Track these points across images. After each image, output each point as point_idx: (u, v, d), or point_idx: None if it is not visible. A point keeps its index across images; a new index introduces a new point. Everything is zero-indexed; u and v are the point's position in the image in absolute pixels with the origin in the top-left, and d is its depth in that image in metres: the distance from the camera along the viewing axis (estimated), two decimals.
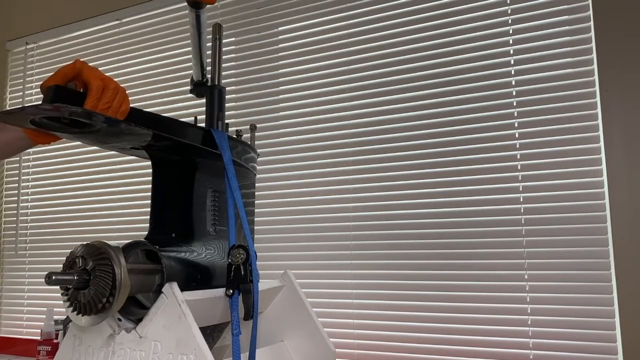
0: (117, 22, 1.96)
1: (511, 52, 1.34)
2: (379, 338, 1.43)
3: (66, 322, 1.62)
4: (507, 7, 1.36)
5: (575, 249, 1.24)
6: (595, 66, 1.26)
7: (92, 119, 0.70)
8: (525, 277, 1.28)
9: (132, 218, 1.84)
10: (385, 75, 1.49)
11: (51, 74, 0.71)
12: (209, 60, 0.98)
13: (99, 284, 0.68)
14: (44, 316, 1.71)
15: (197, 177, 0.87)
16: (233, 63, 1.72)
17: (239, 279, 0.77)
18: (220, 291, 0.79)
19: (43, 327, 1.69)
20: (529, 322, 1.27)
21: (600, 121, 1.24)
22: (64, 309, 0.72)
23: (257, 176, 1.07)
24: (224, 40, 1.67)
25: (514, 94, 1.33)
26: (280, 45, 1.66)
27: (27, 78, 2.16)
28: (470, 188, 1.36)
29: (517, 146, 1.32)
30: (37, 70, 2.14)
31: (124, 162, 1.86)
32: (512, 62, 1.34)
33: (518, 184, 1.31)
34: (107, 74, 0.75)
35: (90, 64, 0.72)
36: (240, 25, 1.72)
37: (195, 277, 0.82)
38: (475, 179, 1.35)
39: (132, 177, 1.86)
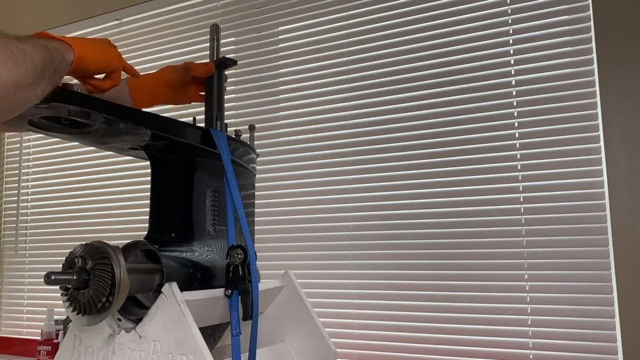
0: (117, 22, 1.96)
1: (511, 52, 1.34)
2: (379, 338, 1.43)
3: (66, 322, 1.62)
4: (507, 7, 1.36)
5: (575, 249, 1.24)
6: (595, 66, 1.25)
7: (90, 118, 0.70)
8: (525, 277, 1.28)
9: (132, 218, 1.84)
10: (385, 75, 1.49)
11: None
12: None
13: (98, 283, 0.69)
14: (44, 316, 1.72)
15: (196, 176, 0.87)
16: None
17: (238, 279, 0.77)
18: (220, 291, 0.79)
19: (43, 327, 1.69)
20: (529, 322, 1.27)
21: (600, 121, 1.24)
22: (64, 309, 0.72)
23: (257, 176, 1.07)
24: (224, 40, 1.68)
25: (514, 94, 1.33)
26: (280, 45, 1.66)
27: None
28: (470, 188, 1.35)
29: (517, 146, 1.32)
30: None
31: (124, 162, 1.86)
32: (512, 62, 1.34)
33: (518, 184, 1.31)
34: None
35: None
36: (240, 25, 1.72)
37: (195, 277, 0.82)
38: (475, 179, 1.35)
39: (131, 177, 1.86)
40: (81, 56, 0.70)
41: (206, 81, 0.96)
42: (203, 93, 0.98)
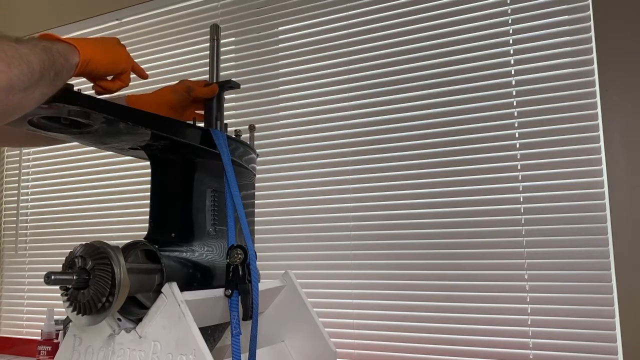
0: (117, 22, 1.96)
1: (511, 52, 1.34)
2: (379, 338, 1.43)
3: (66, 322, 1.62)
4: (507, 7, 1.36)
5: (575, 249, 1.24)
6: (595, 66, 1.25)
7: (90, 118, 0.70)
8: (525, 277, 1.28)
9: (132, 218, 1.84)
10: (385, 75, 1.49)
11: None
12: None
13: (98, 283, 0.68)
14: (44, 316, 1.72)
15: (196, 176, 0.87)
16: (233, 63, 1.72)
17: (238, 279, 0.77)
18: (220, 291, 0.79)
19: (43, 327, 1.69)
20: (529, 322, 1.27)
21: (600, 121, 1.24)
22: (64, 309, 0.72)
23: (257, 176, 1.06)
24: (224, 40, 1.68)
25: (514, 94, 1.33)
26: (280, 45, 1.66)
27: None
28: (470, 188, 1.36)
29: (517, 146, 1.32)
30: None
31: (124, 162, 1.86)
32: (512, 62, 1.34)
33: (518, 184, 1.31)
34: None
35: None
36: (240, 25, 1.72)
37: (195, 277, 0.82)
38: (475, 179, 1.35)
39: (131, 177, 1.86)
40: (87, 59, 0.68)
41: (206, 100, 0.96)
42: (200, 112, 0.98)
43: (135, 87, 1.89)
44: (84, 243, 0.72)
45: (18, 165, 2.14)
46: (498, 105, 1.35)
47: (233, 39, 1.73)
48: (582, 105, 1.26)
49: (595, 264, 1.22)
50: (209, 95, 0.94)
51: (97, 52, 0.70)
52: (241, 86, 1.70)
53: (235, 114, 1.68)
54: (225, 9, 1.75)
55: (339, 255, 1.50)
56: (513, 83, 1.33)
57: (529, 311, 1.27)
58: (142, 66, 0.88)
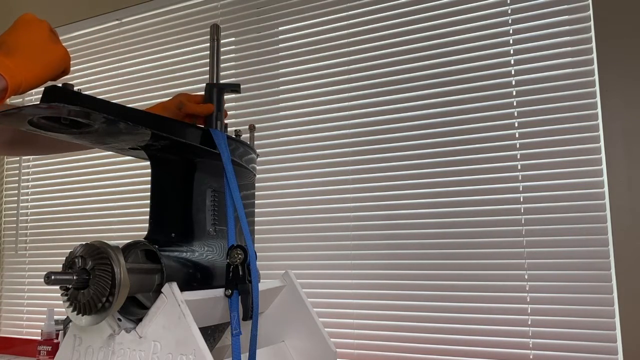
0: (117, 22, 1.96)
1: (511, 52, 1.34)
2: (379, 338, 1.43)
3: (66, 322, 1.62)
4: (507, 7, 1.36)
5: (575, 249, 1.24)
6: (595, 66, 1.26)
7: (90, 118, 0.70)
8: (525, 277, 1.28)
9: (132, 218, 1.84)
10: (385, 75, 1.49)
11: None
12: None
13: (98, 283, 0.68)
14: (44, 316, 1.72)
15: (196, 176, 0.87)
16: (233, 63, 1.72)
17: (238, 279, 0.77)
18: (221, 291, 0.79)
19: (43, 327, 1.69)
20: (529, 322, 1.27)
21: (600, 121, 1.24)
22: (64, 309, 0.72)
23: (257, 176, 1.06)
24: (224, 40, 1.68)
25: (514, 94, 1.33)
26: (280, 45, 1.66)
27: None
28: (470, 188, 1.36)
29: (517, 146, 1.32)
30: None
31: (124, 162, 1.86)
32: (512, 62, 1.34)
33: (518, 184, 1.31)
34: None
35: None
36: (240, 25, 1.72)
37: (195, 277, 0.82)
38: (475, 179, 1.35)
39: (131, 177, 1.86)
40: (17, 86, 0.62)
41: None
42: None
43: (137, 92, 1.90)
44: (84, 243, 0.72)
45: (18, 165, 2.14)
46: (498, 105, 1.35)
47: (233, 39, 1.73)
48: (582, 105, 1.26)
49: (595, 264, 1.22)
50: (202, 113, 0.93)
51: (30, 71, 0.64)
52: (241, 86, 1.71)
53: (235, 114, 1.68)
54: (225, 9, 1.75)
55: (339, 255, 1.50)
56: (513, 83, 1.33)
57: (529, 311, 1.27)
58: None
